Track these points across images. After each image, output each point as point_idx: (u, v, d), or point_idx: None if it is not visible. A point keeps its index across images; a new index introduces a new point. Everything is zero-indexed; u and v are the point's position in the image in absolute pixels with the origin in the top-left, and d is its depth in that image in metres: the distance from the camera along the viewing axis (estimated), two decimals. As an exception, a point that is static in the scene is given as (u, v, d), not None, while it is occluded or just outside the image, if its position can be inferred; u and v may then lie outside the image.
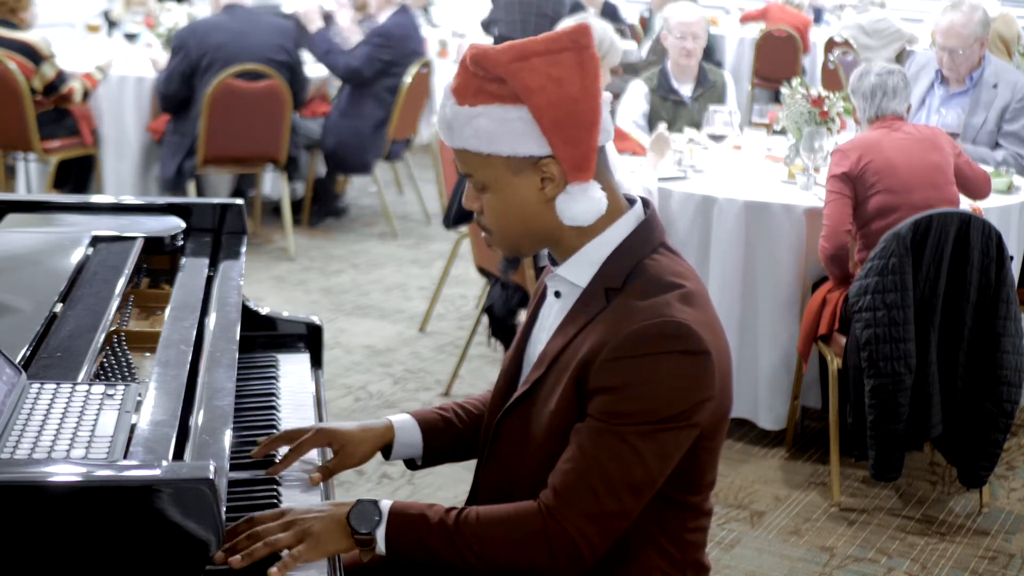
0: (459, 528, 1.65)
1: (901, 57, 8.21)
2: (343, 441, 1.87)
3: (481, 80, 1.66)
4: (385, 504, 1.67)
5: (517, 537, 1.64)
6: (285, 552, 1.59)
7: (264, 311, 2.42)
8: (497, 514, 1.67)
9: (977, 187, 3.85)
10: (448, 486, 3.47)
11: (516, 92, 1.64)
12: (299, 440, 1.85)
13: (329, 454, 1.91)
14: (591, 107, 1.66)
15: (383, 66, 6.45)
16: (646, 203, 1.77)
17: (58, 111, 5.96)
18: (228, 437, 1.63)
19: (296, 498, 1.80)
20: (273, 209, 6.80)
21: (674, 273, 1.70)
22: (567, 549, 1.63)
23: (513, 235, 1.74)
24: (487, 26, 9.22)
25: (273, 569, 1.56)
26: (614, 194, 1.74)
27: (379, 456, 1.96)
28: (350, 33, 6.69)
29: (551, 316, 1.79)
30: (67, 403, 1.56)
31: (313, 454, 1.90)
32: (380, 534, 1.65)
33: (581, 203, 1.68)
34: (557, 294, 1.79)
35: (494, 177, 1.69)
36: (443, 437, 1.95)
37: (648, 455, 1.63)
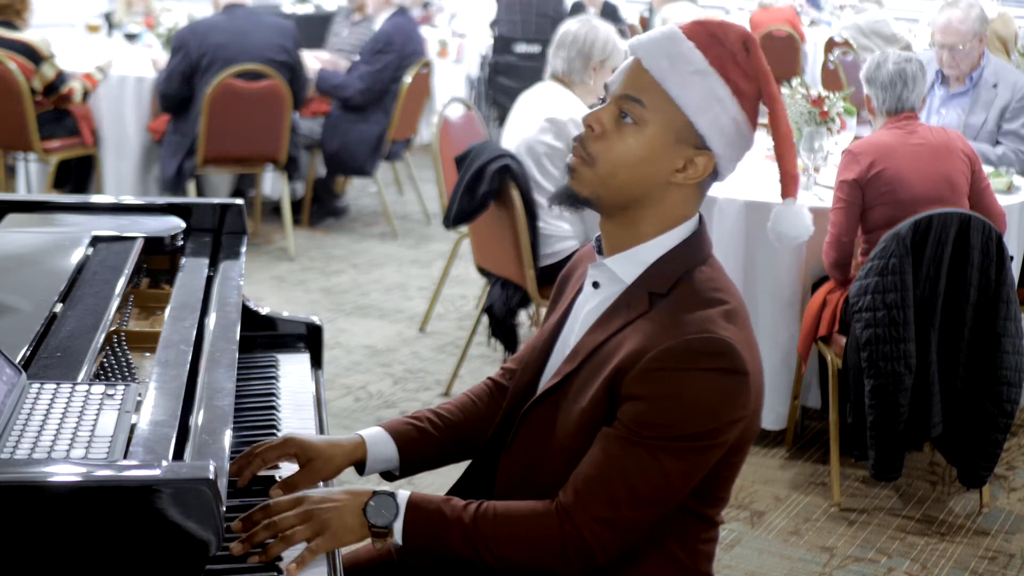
0: (476, 525, 1.64)
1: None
2: (310, 454, 1.80)
3: (732, 56, 1.67)
4: (403, 496, 1.66)
5: (532, 537, 1.64)
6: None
7: (264, 311, 2.42)
8: (514, 512, 1.66)
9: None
10: (448, 485, 3.46)
11: (752, 96, 1.67)
12: (264, 447, 1.80)
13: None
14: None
15: (393, 72, 6.46)
16: (699, 215, 1.76)
17: (58, 111, 5.96)
18: (228, 437, 1.63)
19: None
20: (273, 209, 6.80)
21: (719, 288, 1.68)
22: (581, 552, 1.62)
23: (615, 179, 1.66)
24: (494, 26, 9.21)
25: (292, 565, 1.57)
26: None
27: None
28: (333, 65, 6.72)
29: (587, 309, 1.76)
30: (67, 403, 1.56)
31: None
32: (397, 527, 1.64)
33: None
34: (596, 285, 1.76)
35: (660, 126, 1.65)
36: (419, 447, 1.91)
37: (673, 471, 1.61)
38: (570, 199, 1.69)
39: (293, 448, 1.80)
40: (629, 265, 1.71)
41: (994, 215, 3.71)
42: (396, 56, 6.46)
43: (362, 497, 1.64)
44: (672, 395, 1.60)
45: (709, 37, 1.67)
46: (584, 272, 1.81)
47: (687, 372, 1.60)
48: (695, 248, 1.71)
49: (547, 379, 1.78)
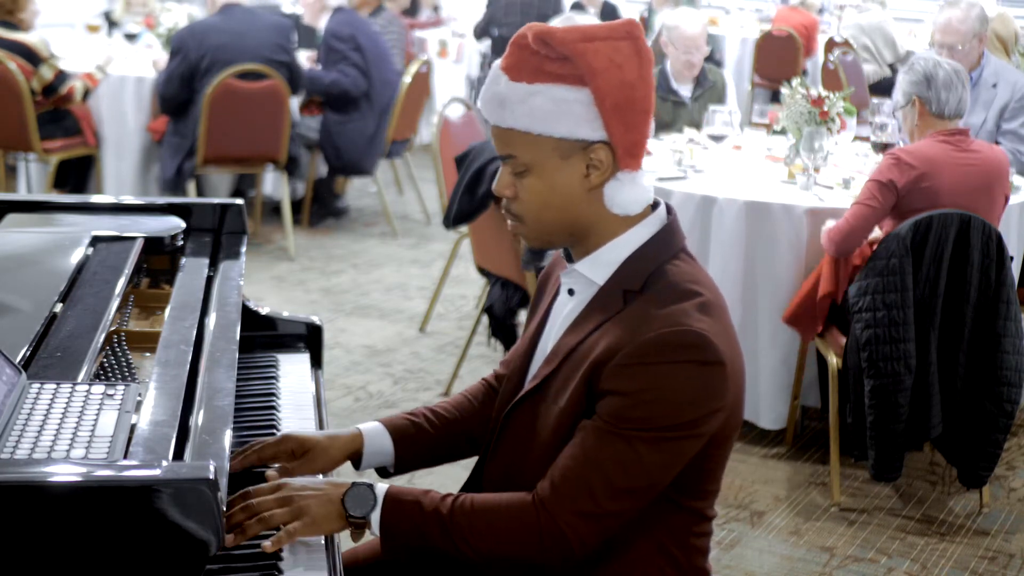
0: (453, 517, 1.65)
1: (901, 58, 8.21)
2: (307, 447, 1.83)
3: (542, 58, 1.66)
4: (381, 488, 1.67)
5: (509, 528, 1.64)
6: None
7: (264, 311, 2.42)
8: (491, 504, 1.67)
9: None
10: (448, 486, 3.45)
11: (580, 73, 1.64)
12: (261, 444, 1.82)
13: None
14: (647, 96, 1.68)
15: (358, 68, 6.41)
16: (668, 208, 1.77)
17: (58, 111, 5.96)
18: (228, 437, 1.63)
19: None
20: (273, 209, 6.80)
21: (693, 280, 1.69)
22: (558, 544, 1.63)
23: (547, 223, 1.72)
24: (482, 31, 9.20)
25: (266, 543, 1.57)
26: None
27: None
28: (313, 63, 6.74)
29: (564, 314, 1.78)
30: (67, 403, 1.56)
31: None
32: (375, 518, 1.65)
33: (632, 191, 1.69)
34: (571, 292, 1.78)
35: (540, 160, 1.68)
36: (414, 443, 1.92)
37: (651, 461, 1.62)
38: (535, 254, 1.74)
39: (291, 444, 1.82)
40: (599, 267, 1.73)
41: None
42: (354, 50, 6.40)
43: (342, 488, 1.66)
44: (649, 388, 1.61)
45: (515, 54, 1.68)
46: (559, 277, 1.83)
47: (663, 365, 1.61)
48: (665, 243, 1.73)
49: (528, 383, 1.79)
